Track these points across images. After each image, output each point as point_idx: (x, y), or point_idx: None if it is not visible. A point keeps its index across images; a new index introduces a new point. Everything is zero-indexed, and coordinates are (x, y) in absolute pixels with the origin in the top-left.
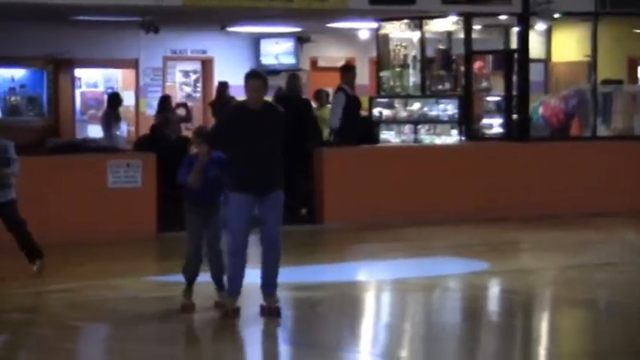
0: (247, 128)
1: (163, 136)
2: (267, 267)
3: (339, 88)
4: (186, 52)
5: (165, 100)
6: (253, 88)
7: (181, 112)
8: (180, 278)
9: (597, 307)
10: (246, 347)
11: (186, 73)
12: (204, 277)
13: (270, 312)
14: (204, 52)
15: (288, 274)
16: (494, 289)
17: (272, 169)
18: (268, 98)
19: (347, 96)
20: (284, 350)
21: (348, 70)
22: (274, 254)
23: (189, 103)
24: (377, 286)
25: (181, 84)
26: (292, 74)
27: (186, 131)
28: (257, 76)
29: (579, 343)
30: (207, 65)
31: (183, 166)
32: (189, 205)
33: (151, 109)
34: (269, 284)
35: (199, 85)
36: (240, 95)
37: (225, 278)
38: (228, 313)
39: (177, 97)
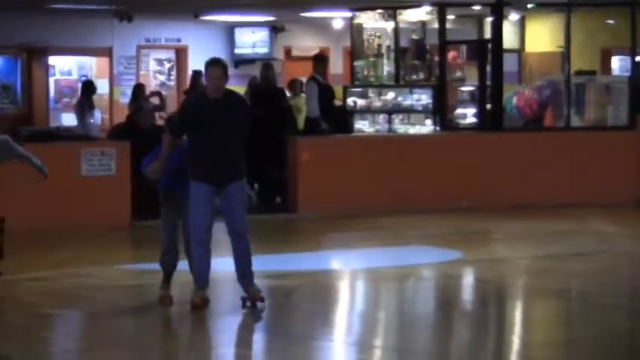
0: (206, 117)
1: (137, 125)
2: (238, 258)
3: (311, 78)
4: (161, 40)
5: (138, 89)
6: (212, 76)
7: (155, 100)
8: (154, 267)
9: (569, 297)
10: (220, 335)
11: (160, 62)
12: (182, 265)
13: (254, 301)
14: (178, 40)
15: (262, 263)
16: (467, 279)
17: (231, 159)
18: (242, 88)
19: (319, 85)
20: (258, 339)
21: (319, 60)
22: (243, 245)
23: (164, 92)
24: (351, 275)
25: (155, 72)
26: (266, 63)
27: (160, 120)
28: (216, 64)
29: (551, 332)
30: (181, 54)
31: (149, 155)
32: (162, 196)
33: (124, 97)
34: (245, 275)
35: (173, 73)
36: None
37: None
38: (196, 305)
39: (152, 85)
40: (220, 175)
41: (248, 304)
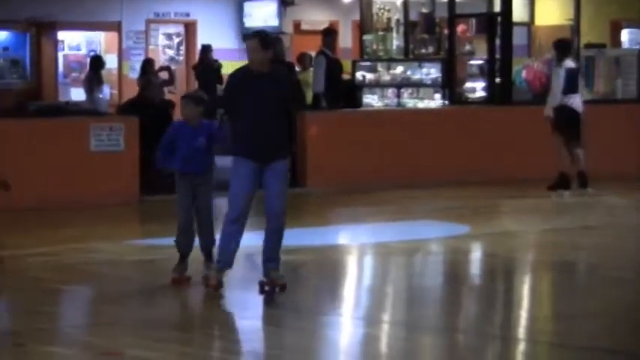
0: (249, 92)
1: (146, 99)
2: (269, 240)
3: (320, 52)
4: (170, 15)
5: (147, 64)
6: (249, 49)
7: (164, 75)
8: (164, 242)
9: (576, 270)
10: (230, 310)
11: (169, 36)
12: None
13: (274, 287)
14: (187, 15)
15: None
16: (475, 253)
17: (275, 135)
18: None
19: (328, 59)
20: (267, 314)
21: (328, 34)
22: (277, 227)
23: (173, 67)
24: (359, 250)
25: (164, 47)
26: (275, 37)
27: (169, 95)
28: (251, 37)
29: (558, 305)
30: (190, 28)
31: (162, 147)
32: (179, 175)
33: (133, 72)
34: (271, 258)
35: (182, 48)
36: (223, 59)
37: (215, 250)
38: (211, 286)
39: (161, 60)
40: (265, 152)
41: (267, 288)
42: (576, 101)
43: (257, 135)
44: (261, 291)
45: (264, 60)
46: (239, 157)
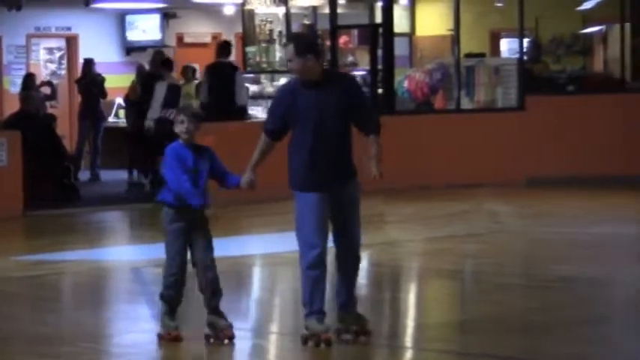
0: (302, 106)
1: (28, 114)
2: (346, 281)
3: (235, 67)
4: (51, 29)
5: (28, 78)
6: (288, 58)
7: (46, 90)
8: (52, 256)
9: (463, 278)
10: (118, 324)
11: (50, 51)
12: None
13: (366, 333)
14: (68, 29)
15: (157, 251)
16: (362, 263)
17: (340, 153)
18: (132, 75)
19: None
20: (154, 327)
21: (224, 47)
22: (356, 264)
23: (55, 81)
24: (249, 261)
25: (46, 61)
26: (157, 51)
27: (52, 109)
28: (288, 41)
29: (447, 313)
30: (72, 42)
31: (172, 180)
32: (173, 210)
33: (15, 87)
34: (352, 302)
35: (64, 62)
36: (106, 72)
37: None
38: (326, 339)
39: (42, 75)
40: (330, 176)
41: (349, 337)
42: None
43: (316, 157)
44: (342, 337)
45: (308, 67)
46: (300, 190)
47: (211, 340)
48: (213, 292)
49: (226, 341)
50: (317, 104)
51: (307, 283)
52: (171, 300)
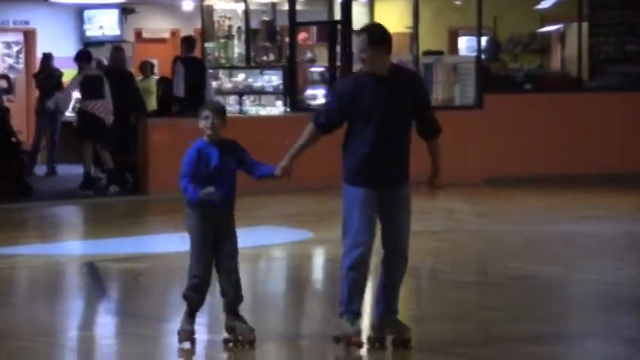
0: (364, 101)
1: None
2: (390, 286)
3: (177, 58)
4: (8, 23)
5: None
6: (359, 49)
7: (2, 83)
8: (5, 251)
9: (420, 275)
10: (68, 320)
11: (8, 45)
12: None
13: (406, 342)
14: (26, 23)
15: (111, 246)
16: (318, 259)
17: (399, 155)
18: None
19: (186, 65)
20: (107, 321)
21: (190, 41)
22: (402, 270)
23: (12, 75)
24: None
25: (3, 55)
26: (115, 46)
27: (8, 103)
28: (359, 33)
29: (402, 309)
30: (29, 36)
31: (190, 175)
32: (198, 210)
33: None
34: (392, 309)
35: (22, 56)
36: (63, 67)
37: None
38: (356, 343)
39: None
40: (385, 176)
41: (387, 345)
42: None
43: (373, 154)
44: (376, 346)
45: (376, 60)
46: (351, 185)
47: (230, 345)
48: (236, 297)
49: (247, 346)
50: (383, 98)
51: (346, 283)
52: (191, 301)
